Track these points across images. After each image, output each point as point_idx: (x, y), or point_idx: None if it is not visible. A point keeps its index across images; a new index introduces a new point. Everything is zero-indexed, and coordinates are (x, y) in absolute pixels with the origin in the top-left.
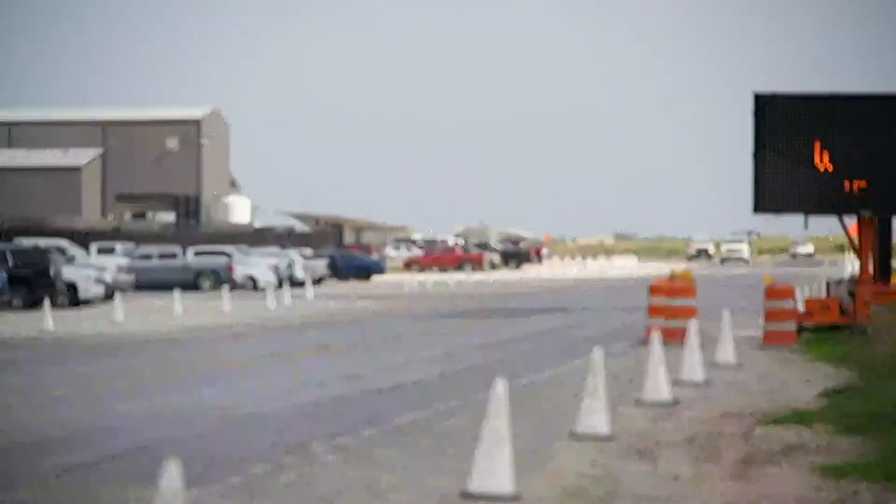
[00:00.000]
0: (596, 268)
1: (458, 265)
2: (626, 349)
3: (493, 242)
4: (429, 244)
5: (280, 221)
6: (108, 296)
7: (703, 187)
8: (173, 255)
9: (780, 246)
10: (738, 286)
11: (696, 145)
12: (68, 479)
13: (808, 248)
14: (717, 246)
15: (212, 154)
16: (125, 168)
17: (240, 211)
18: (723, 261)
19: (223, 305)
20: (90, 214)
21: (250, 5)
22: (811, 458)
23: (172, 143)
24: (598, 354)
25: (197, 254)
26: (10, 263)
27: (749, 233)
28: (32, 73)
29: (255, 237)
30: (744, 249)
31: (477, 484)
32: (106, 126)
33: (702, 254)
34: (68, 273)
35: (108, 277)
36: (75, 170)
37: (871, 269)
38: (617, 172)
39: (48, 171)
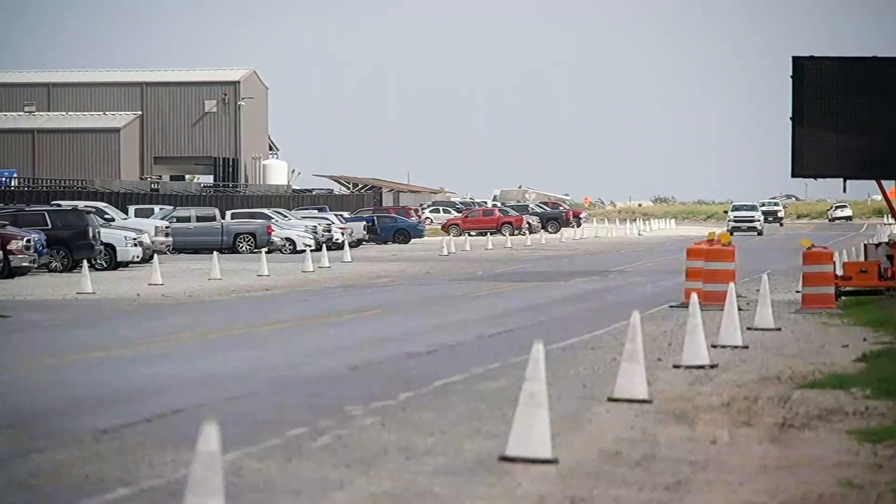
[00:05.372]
0: (634, 231)
1: (497, 228)
2: (664, 312)
3: (532, 205)
4: (467, 207)
5: (318, 184)
6: (147, 258)
7: (743, 151)
8: (211, 218)
9: (819, 209)
10: (778, 249)
11: (737, 109)
12: (105, 440)
13: (847, 212)
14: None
15: (250, 116)
16: (163, 130)
17: (278, 173)
18: (731, 231)
19: (261, 268)
20: (128, 176)
21: None
22: (848, 423)
23: (211, 105)
24: (636, 318)
25: (234, 216)
26: (49, 225)
27: (774, 198)
28: (71, 36)
29: (294, 200)
30: (756, 217)
31: (514, 447)
32: (144, 88)
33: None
34: (106, 235)
35: (147, 239)
36: (114, 131)
37: None
38: (655, 137)
39: (87, 132)
